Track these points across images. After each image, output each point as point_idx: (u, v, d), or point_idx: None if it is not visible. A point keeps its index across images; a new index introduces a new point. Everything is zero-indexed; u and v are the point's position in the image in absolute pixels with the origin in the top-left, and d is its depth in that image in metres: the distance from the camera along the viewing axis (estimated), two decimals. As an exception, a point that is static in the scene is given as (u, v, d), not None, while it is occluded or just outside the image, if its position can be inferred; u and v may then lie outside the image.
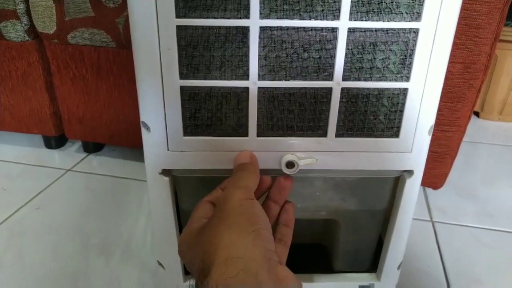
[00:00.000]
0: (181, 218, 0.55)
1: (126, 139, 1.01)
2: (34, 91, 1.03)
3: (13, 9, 0.90)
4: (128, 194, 0.96)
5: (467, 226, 0.86)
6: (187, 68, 0.43)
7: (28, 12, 0.92)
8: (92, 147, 1.14)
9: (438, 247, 0.80)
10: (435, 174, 0.85)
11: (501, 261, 0.76)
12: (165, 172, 0.49)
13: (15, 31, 0.93)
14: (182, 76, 0.43)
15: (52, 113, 1.06)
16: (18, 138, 1.21)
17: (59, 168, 1.07)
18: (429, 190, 0.97)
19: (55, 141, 1.16)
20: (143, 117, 0.45)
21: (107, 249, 0.77)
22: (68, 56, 0.93)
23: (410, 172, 0.51)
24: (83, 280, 0.69)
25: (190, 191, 0.52)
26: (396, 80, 0.45)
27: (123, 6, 0.82)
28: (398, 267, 0.58)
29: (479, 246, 0.80)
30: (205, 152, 0.47)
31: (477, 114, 1.47)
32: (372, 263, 0.61)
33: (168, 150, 0.47)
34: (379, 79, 0.45)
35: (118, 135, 1.02)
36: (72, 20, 0.86)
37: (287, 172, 0.47)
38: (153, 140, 0.46)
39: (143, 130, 0.46)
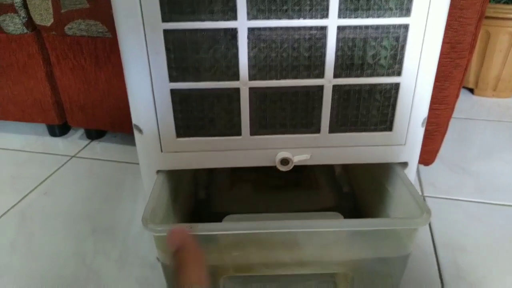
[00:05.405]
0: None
1: (127, 126, 1.02)
2: (35, 81, 1.03)
3: (11, 3, 0.90)
4: (130, 177, 0.98)
5: (457, 199, 0.86)
6: (177, 71, 0.43)
7: (25, 5, 0.91)
8: (94, 134, 1.15)
9: (428, 221, 0.80)
10: (426, 150, 0.85)
11: (487, 232, 0.77)
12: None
13: (14, 24, 0.93)
14: (172, 79, 0.43)
15: (54, 102, 1.06)
16: (23, 127, 1.23)
17: (63, 155, 1.09)
18: (421, 166, 0.97)
19: (59, 129, 1.18)
20: (135, 120, 0.45)
21: (112, 231, 0.79)
22: (66, 47, 0.93)
23: (404, 164, 0.51)
24: (91, 260, 0.72)
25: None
26: (387, 75, 0.45)
27: (118, -5, 0.81)
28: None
29: (468, 218, 0.80)
30: (199, 152, 0.47)
31: (471, 90, 1.46)
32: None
33: (161, 151, 0.47)
34: (371, 75, 0.44)
35: (119, 122, 1.02)
36: (68, 12, 0.85)
37: (282, 169, 0.48)
38: (146, 143, 0.46)
39: (136, 133, 0.46)
